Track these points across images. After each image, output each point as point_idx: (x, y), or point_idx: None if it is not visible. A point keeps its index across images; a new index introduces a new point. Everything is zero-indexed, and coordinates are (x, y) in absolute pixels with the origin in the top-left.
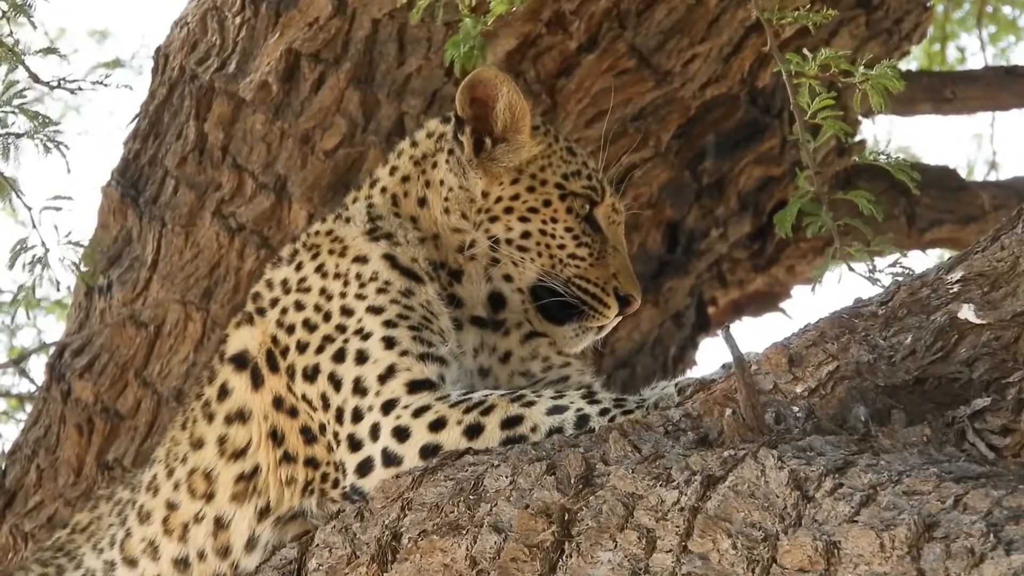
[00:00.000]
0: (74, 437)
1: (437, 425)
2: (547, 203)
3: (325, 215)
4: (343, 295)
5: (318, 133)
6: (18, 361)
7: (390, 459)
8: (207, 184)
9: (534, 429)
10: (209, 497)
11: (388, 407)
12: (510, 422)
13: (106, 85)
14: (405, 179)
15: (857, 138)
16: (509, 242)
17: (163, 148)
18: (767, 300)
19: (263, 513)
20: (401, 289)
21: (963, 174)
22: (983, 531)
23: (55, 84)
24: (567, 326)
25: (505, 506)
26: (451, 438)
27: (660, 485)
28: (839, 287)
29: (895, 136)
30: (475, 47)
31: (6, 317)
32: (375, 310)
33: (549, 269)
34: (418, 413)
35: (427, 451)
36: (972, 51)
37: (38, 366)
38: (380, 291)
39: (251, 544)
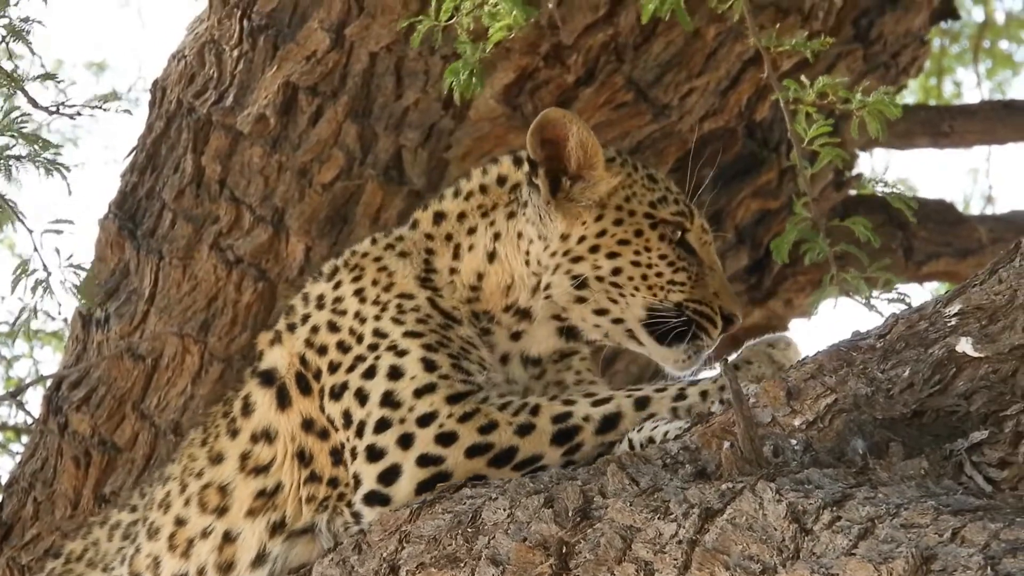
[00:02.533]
0: (71, 470)
1: (488, 428)
2: (639, 233)
3: (375, 235)
4: (377, 318)
5: (316, 166)
6: (15, 393)
7: (428, 461)
8: (204, 217)
9: (587, 419)
10: (222, 511)
11: (426, 420)
12: (560, 417)
13: (105, 110)
14: (472, 231)
15: (854, 172)
16: (600, 280)
17: (160, 181)
18: (765, 333)
19: (276, 528)
20: (440, 323)
21: (960, 208)
22: (981, 564)
23: (54, 110)
24: (676, 348)
25: (503, 539)
26: (503, 438)
27: (658, 518)
28: (838, 320)
29: (892, 170)
30: (474, 74)
31: (3, 348)
32: (414, 334)
33: (652, 299)
34: (465, 418)
35: (475, 451)
36: (969, 85)
37: (35, 398)
38: (420, 321)
39: (260, 559)
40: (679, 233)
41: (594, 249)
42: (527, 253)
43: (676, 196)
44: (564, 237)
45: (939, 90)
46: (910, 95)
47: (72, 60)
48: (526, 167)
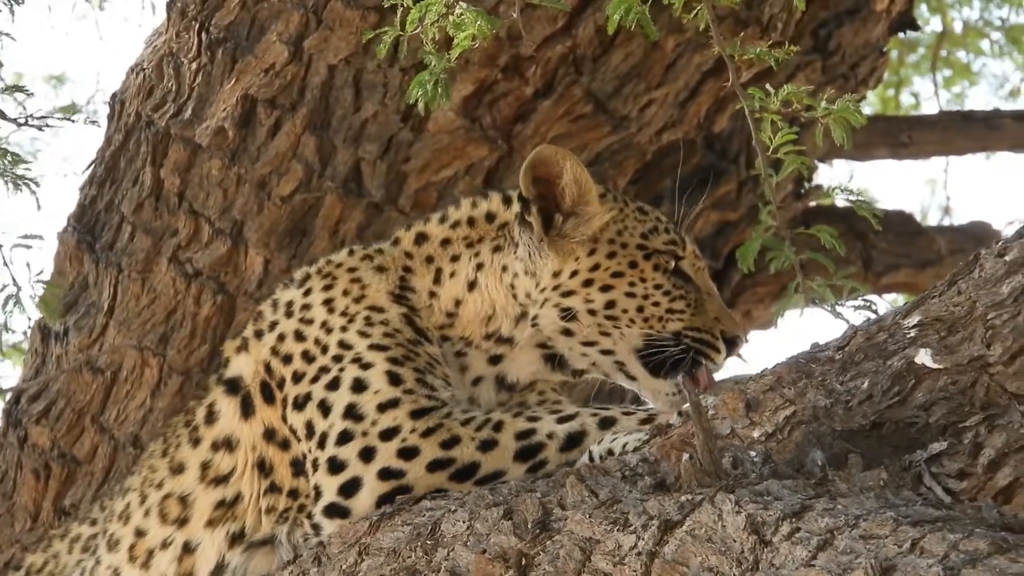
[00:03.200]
0: (31, 483)
1: (450, 443)
2: (633, 265)
3: (353, 246)
4: (344, 329)
5: (274, 179)
6: None
7: (389, 474)
8: (163, 230)
9: (551, 436)
10: (182, 522)
11: (389, 434)
12: (523, 434)
13: (73, 121)
14: (455, 258)
15: (813, 183)
16: (592, 313)
17: (119, 194)
18: None
19: (235, 539)
20: (409, 337)
21: (918, 219)
22: (940, 574)
23: (23, 121)
24: (669, 381)
25: (462, 551)
26: (465, 453)
27: (617, 530)
28: (796, 331)
29: (851, 181)
30: (439, 84)
31: None
32: (379, 347)
33: (648, 330)
34: (427, 433)
35: (436, 466)
36: (926, 95)
37: None
38: (387, 335)
39: (219, 570)
40: (673, 262)
41: (587, 283)
42: (512, 287)
43: (667, 226)
44: (556, 274)
45: (897, 101)
46: (868, 106)
47: (31, 73)
48: (516, 207)
